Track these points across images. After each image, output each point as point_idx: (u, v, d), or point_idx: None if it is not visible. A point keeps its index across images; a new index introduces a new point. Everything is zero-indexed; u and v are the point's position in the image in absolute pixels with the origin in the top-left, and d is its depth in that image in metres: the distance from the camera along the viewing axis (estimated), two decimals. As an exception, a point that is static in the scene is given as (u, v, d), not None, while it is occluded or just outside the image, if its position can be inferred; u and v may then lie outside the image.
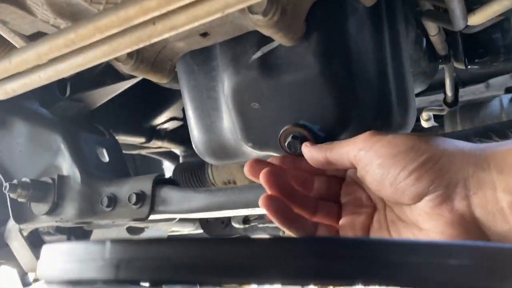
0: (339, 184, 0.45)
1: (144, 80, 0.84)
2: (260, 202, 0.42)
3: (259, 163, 0.45)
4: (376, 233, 0.40)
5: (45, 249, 0.27)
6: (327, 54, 0.47)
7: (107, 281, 0.21)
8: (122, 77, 0.86)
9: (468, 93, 1.02)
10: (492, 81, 1.03)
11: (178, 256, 0.20)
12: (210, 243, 0.20)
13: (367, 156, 0.38)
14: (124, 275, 0.21)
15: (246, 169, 0.45)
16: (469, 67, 0.86)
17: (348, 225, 0.42)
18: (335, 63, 0.47)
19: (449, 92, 0.88)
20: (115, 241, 0.22)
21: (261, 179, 0.42)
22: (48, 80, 0.46)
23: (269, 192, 0.42)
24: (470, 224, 0.34)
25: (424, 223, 0.36)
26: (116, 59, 0.49)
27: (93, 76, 0.91)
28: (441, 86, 0.99)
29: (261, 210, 0.73)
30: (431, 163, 0.35)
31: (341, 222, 0.43)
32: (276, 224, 0.42)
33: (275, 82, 0.48)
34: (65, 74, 0.45)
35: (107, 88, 0.87)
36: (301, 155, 0.46)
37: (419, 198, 0.35)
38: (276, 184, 0.42)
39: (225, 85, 0.51)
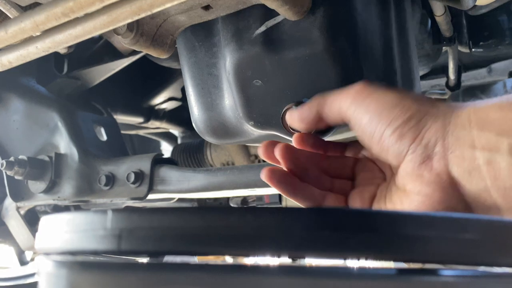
0: (354, 163, 0.44)
1: (142, 59, 0.83)
2: (263, 175, 0.41)
3: (274, 144, 0.44)
4: (376, 202, 0.40)
5: (44, 220, 0.27)
6: (333, 29, 0.45)
7: (109, 252, 0.21)
8: (120, 55, 0.84)
9: (470, 78, 1.00)
10: (494, 65, 1.02)
11: (183, 226, 0.20)
12: (217, 212, 0.19)
13: (357, 112, 0.37)
14: (127, 246, 0.20)
15: (261, 151, 0.44)
16: (473, 50, 0.85)
17: (358, 194, 0.41)
18: (341, 39, 0.46)
19: (452, 75, 0.87)
20: (117, 210, 0.21)
21: (277, 154, 0.42)
22: (45, 51, 0.44)
23: (284, 167, 0.42)
24: (446, 183, 0.34)
25: (408, 185, 0.36)
26: (116, 32, 0.48)
27: (91, 54, 0.89)
28: (443, 71, 0.97)
29: (260, 191, 0.73)
30: (414, 121, 0.35)
31: (352, 192, 0.42)
32: (282, 194, 0.42)
33: (278, 58, 0.47)
34: (64, 45, 0.43)
35: (105, 66, 0.86)
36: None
37: (401, 157, 0.36)
38: (292, 159, 0.42)
39: (227, 61, 0.50)
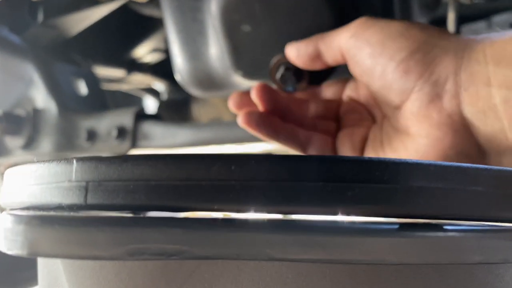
0: (337, 106, 0.42)
1: (123, 7, 0.77)
2: (240, 120, 0.39)
3: (245, 94, 0.41)
4: (370, 144, 0.38)
5: (8, 172, 0.24)
6: (328, -31, 0.42)
7: (75, 206, 0.18)
8: (99, 2, 0.79)
9: (468, 31, 0.97)
10: (494, 18, 0.98)
11: (158, 177, 0.17)
12: (199, 160, 0.17)
13: (357, 45, 0.34)
14: (94, 200, 0.18)
15: (231, 102, 0.42)
16: (474, 0, 0.81)
17: (346, 137, 0.39)
18: (336, -19, 0.42)
19: (451, 28, 0.84)
20: (83, 159, 0.18)
21: (254, 95, 0.39)
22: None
23: (262, 109, 0.39)
24: (458, 125, 0.31)
25: (413, 127, 0.33)
26: (89, -30, 0.43)
27: (67, 1, 0.83)
28: (440, 23, 0.93)
29: (248, 147, 0.71)
30: (421, 53, 0.31)
31: (339, 133, 0.39)
32: (264, 139, 0.39)
33: (270, 1, 0.43)
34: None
35: (83, 14, 0.80)
36: (296, 90, 0.43)
37: (405, 95, 0.32)
38: (270, 99, 0.39)
39: (212, 4, 0.46)
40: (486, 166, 0.19)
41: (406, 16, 0.52)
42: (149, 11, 0.75)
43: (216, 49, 0.50)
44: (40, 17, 0.80)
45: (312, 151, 0.39)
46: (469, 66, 0.30)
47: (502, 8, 0.92)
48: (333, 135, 0.40)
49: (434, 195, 0.18)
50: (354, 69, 0.36)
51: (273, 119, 0.39)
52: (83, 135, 0.71)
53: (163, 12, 0.53)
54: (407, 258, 0.18)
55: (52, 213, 0.18)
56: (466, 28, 0.98)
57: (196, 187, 0.17)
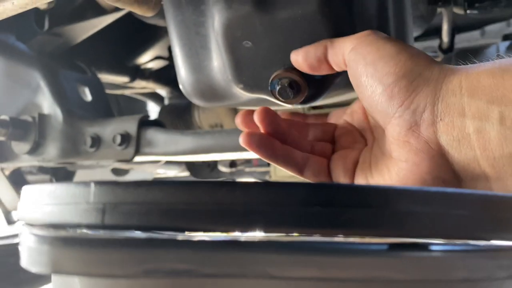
0: (333, 129, 0.45)
1: (127, 16, 0.79)
2: (241, 140, 0.41)
3: (251, 112, 0.44)
4: (360, 167, 0.39)
5: (26, 190, 0.26)
6: (327, -11, 0.43)
7: (92, 226, 0.20)
8: (103, 11, 0.80)
9: (462, 40, 0.99)
10: (488, 28, 1.00)
11: (169, 201, 0.19)
12: (206, 186, 0.19)
13: (355, 59, 0.36)
14: (110, 220, 0.20)
15: (238, 120, 0.44)
16: (468, 12, 0.83)
17: (340, 159, 0.41)
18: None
19: (445, 38, 0.85)
20: (100, 183, 0.20)
21: (256, 118, 0.41)
22: (23, 7, 0.41)
23: (263, 131, 0.42)
24: (434, 152, 0.33)
25: (394, 151, 0.35)
26: (97, -13, 0.45)
27: (73, 10, 0.85)
28: (436, 32, 0.95)
29: (248, 155, 0.72)
30: (405, 81, 0.33)
31: (334, 156, 0.42)
32: (263, 159, 0.41)
33: (270, 18, 0.45)
34: (42, 1, 0.40)
35: (88, 23, 0.82)
36: (293, 101, 0.45)
37: (388, 118, 0.34)
38: (271, 123, 0.41)
39: (216, 20, 0.47)
40: (469, 191, 0.21)
41: (401, 27, 0.53)
42: (153, 21, 0.77)
43: (218, 63, 0.51)
44: (46, 25, 0.82)
45: (308, 173, 0.41)
46: (446, 96, 0.32)
47: (495, 18, 0.93)
48: (328, 157, 0.42)
49: (420, 218, 0.20)
50: (351, 79, 0.38)
51: (272, 141, 0.41)
52: (87, 141, 0.73)
53: (167, 26, 0.54)
54: (396, 275, 0.20)
55: (72, 233, 0.20)
56: (460, 38, 1.00)
57: (204, 210, 0.19)
